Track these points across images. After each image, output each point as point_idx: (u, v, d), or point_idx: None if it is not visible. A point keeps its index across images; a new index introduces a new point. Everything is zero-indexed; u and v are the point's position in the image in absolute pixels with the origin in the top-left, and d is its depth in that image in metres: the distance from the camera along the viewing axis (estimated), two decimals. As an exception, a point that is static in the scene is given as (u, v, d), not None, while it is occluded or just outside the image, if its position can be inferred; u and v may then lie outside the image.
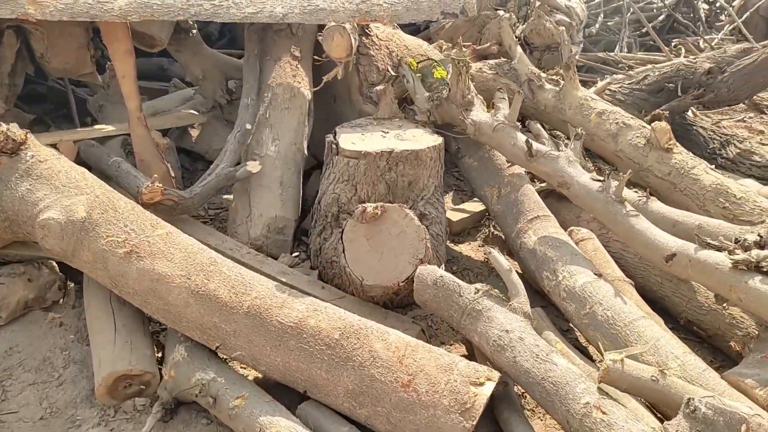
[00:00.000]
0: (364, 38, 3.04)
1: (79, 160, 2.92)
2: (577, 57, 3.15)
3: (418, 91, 2.85)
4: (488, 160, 2.82)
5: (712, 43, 5.47)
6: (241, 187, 2.77)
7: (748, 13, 6.64)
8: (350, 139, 2.63)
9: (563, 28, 3.21)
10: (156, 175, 2.51)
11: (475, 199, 3.21)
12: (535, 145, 2.54)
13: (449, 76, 2.80)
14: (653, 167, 2.81)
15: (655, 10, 6.08)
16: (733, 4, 7.12)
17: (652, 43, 6.11)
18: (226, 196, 3.12)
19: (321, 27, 2.86)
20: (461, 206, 3.21)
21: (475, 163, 2.85)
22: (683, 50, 5.65)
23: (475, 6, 3.01)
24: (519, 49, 3.38)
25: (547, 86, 3.20)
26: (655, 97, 4.01)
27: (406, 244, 2.36)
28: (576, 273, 2.31)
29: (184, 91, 3.65)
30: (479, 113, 2.72)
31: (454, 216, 3.07)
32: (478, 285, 2.22)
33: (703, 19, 6.53)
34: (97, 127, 3.09)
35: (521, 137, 2.59)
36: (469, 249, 2.98)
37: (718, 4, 6.95)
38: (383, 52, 3.12)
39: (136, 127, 2.91)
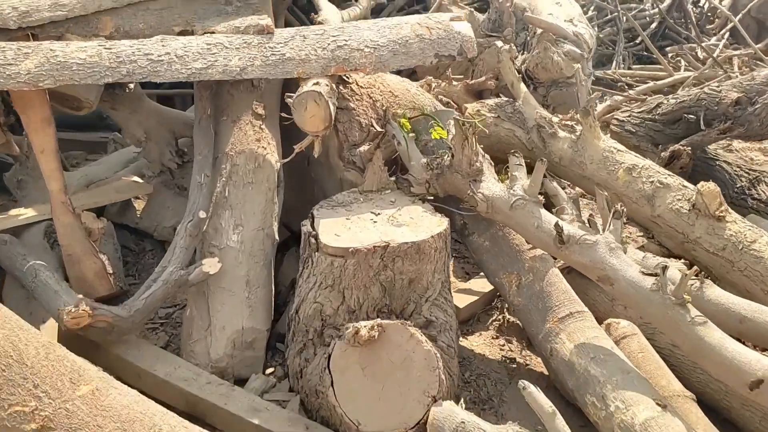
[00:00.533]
0: (341, 87, 2.48)
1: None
2: (593, 95, 2.63)
3: (413, 156, 2.31)
4: (503, 239, 2.30)
5: (714, 54, 5.04)
6: (197, 288, 2.20)
7: (740, 15, 6.27)
8: (333, 228, 2.08)
9: (578, 66, 2.70)
10: (81, 297, 1.92)
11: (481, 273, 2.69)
12: (566, 228, 2.02)
13: (450, 136, 2.26)
14: (702, 239, 2.32)
15: (648, 18, 5.63)
16: (723, 3, 6.74)
17: (644, 53, 5.68)
18: (180, 287, 2.54)
19: (290, 80, 2.31)
20: (467, 285, 2.68)
21: (486, 243, 2.32)
22: (683, 62, 5.22)
23: (474, 45, 2.48)
24: (523, 87, 2.86)
25: (562, 134, 2.69)
26: (671, 128, 3.53)
27: (413, 375, 1.82)
28: (633, 403, 1.79)
29: (124, 151, 3.04)
30: (491, 185, 2.19)
31: (461, 300, 2.54)
32: (510, 427, 1.71)
33: (695, 23, 6.11)
34: (12, 212, 2.49)
35: (548, 217, 2.08)
36: (482, 343, 2.46)
37: (707, 7, 6.56)
38: (365, 102, 2.57)
39: (61, 215, 2.31)
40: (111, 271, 2.38)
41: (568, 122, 2.72)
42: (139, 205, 2.91)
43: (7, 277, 2.33)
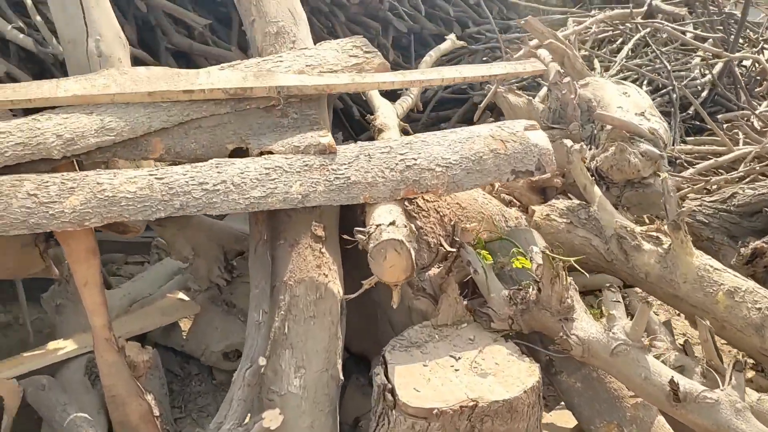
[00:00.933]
0: (407, 203, 2.27)
1: (26, 407, 2.11)
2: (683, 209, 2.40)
3: (493, 288, 2.08)
4: (598, 382, 2.04)
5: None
6: (254, 443, 1.96)
7: (791, 78, 6.03)
8: (410, 379, 1.84)
9: (665, 175, 2.46)
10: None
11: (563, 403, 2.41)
12: (683, 383, 1.76)
13: (534, 266, 2.03)
14: (827, 380, 2.03)
15: (699, 87, 5.41)
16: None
17: (695, 123, 5.44)
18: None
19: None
20: (550, 417, 2.40)
21: (578, 384, 2.06)
22: (741, 134, 4.97)
23: (553, 158, 2.27)
24: (597, 191, 2.63)
25: (647, 246, 2.44)
26: (748, 221, 3.26)
27: None
28: None
29: (166, 262, 2.85)
30: (586, 325, 1.94)
31: (545, 441, 2.27)
32: None
33: (744, 86, 5.88)
34: (51, 345, 2.29)
35: (657, 368, 1.82)
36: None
37: (756, 69, 6.33)
38: (432, 219, 2.36)
39: (105, 353, 2.11)
40: (158, 414, 2.15)
41: (653, 234, 2.47)
42: (185, 323, 2.70)
43: (45, 425, 2.11)
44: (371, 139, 4.39)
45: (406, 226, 1.86)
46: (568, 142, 2.76)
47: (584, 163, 2.74)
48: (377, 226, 1.87)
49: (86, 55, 2.31)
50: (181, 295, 2.64)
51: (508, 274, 2.21)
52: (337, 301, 2.16)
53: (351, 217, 2.38)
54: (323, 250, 2.23)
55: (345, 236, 2.15)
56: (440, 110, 4.56)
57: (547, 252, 1.91)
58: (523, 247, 2.18)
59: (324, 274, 2.18)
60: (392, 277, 1.85)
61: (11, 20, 2.75)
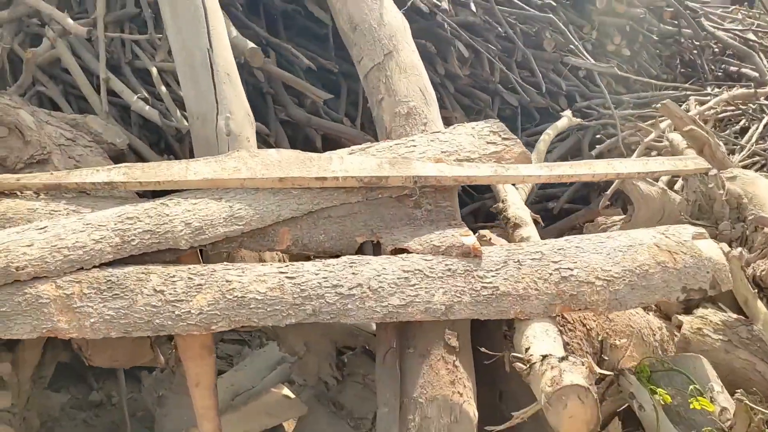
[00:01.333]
0: (552, 314, 2.01)
1: None
2: None
3: (665, 431, 1.76)
4: None
5: None
6: None
7: None
8: None
9: None
10: None
11: None
12: None
13: (719, 411, 1.71)
14: None
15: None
16: None
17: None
18: None
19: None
20: None
21: None
22: None
23: (729, 275, 1.97)
24: (762, 307, 2.31)
25: (830, 381, 2.08)
26: None
27: None
28: None
29: (270, 350, 2.65)
30: (788, 492, 1.60)
31: None
32: None
33: None
34: (153, 445, 2.10)
35: None
36: None
37: None
38: (579, 332, 2.08)
39: (212, 465, 1.90)
40: None
41: (838, 365, 2.11)
42: (288, 423, 2.47)
43: None
44: (475, 214, 4.20)
45: (583, 364, 1.59)
46: (725, 247, 2.45)
47: (744, 271, 2.42)
48: (544, 357, 1.60)
49: (215, 133, 2.20)
50: (287, 392, 2.42)
51: (674, 410, 1.90)
52: (473, 426, 1.89)
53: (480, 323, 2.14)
54: (457, 363, 1.97)
55: (483, 350, 1.90)
56: (547, 187, 4.29)
57: (746, 401, 1.59)
58: (696, 380, 1.87)
59: (458, 392, 1.92)
60: (572, 428, 1.56)
61: (135, 89, 2.69)
